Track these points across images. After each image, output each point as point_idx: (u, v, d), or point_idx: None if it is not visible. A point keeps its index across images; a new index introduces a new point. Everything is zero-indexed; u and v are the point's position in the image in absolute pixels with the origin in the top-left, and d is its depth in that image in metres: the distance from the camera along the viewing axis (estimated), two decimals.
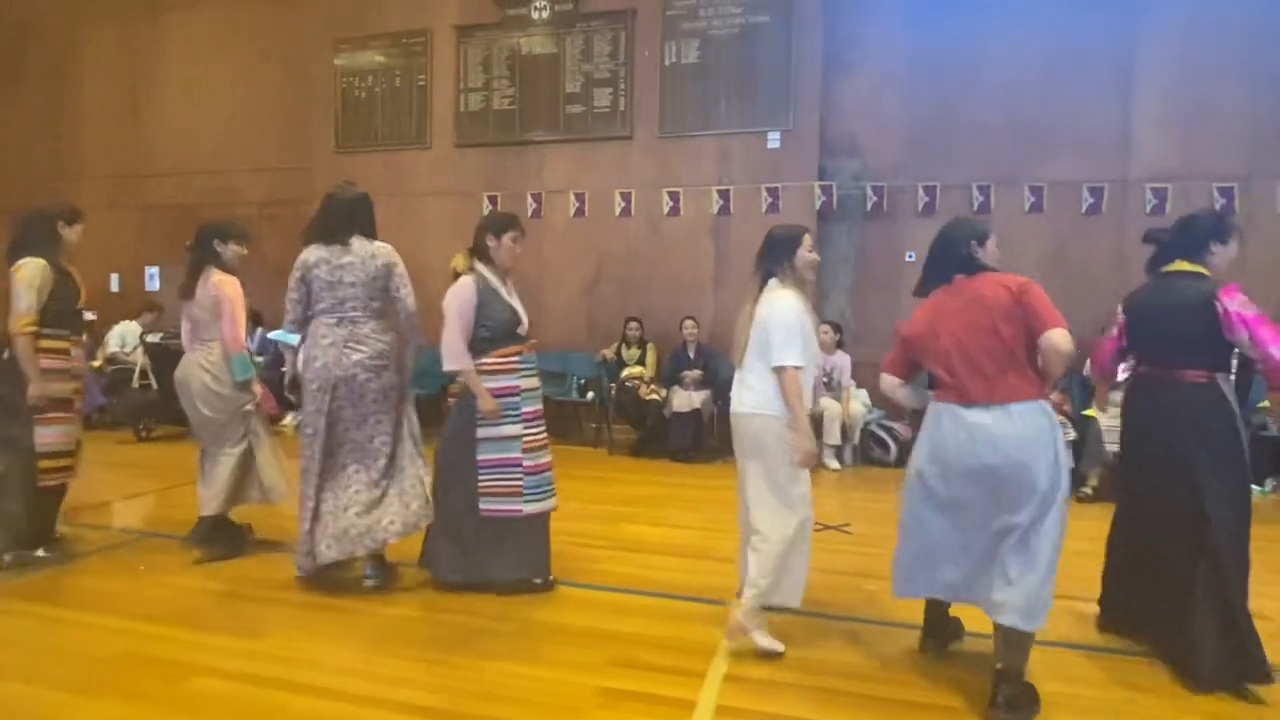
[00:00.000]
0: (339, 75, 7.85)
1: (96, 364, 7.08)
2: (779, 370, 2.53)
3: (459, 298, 3.01)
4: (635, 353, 6.66)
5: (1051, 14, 6.37)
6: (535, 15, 7.23)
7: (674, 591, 3.20)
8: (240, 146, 8.55)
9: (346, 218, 3.08)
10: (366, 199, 3.15)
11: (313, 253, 3.08)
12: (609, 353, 6.71)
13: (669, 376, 6.37)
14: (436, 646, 2.67)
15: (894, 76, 6.77)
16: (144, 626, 2.77)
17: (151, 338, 6.83)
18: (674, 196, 7.04)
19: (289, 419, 6.87)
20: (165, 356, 6.11)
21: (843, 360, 6.14)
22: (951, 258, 2.44)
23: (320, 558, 3.07)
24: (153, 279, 8.88)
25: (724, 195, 6.91)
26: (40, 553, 3.39)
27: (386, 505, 3.09)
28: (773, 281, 2.68)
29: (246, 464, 3.58)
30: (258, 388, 3.53)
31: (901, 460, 6.04)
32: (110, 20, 9.01)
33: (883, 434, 5.97)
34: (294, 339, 3.16)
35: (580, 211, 7.31)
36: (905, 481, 2.54)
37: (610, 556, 3.65)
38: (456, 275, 3.04)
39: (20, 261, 3.22)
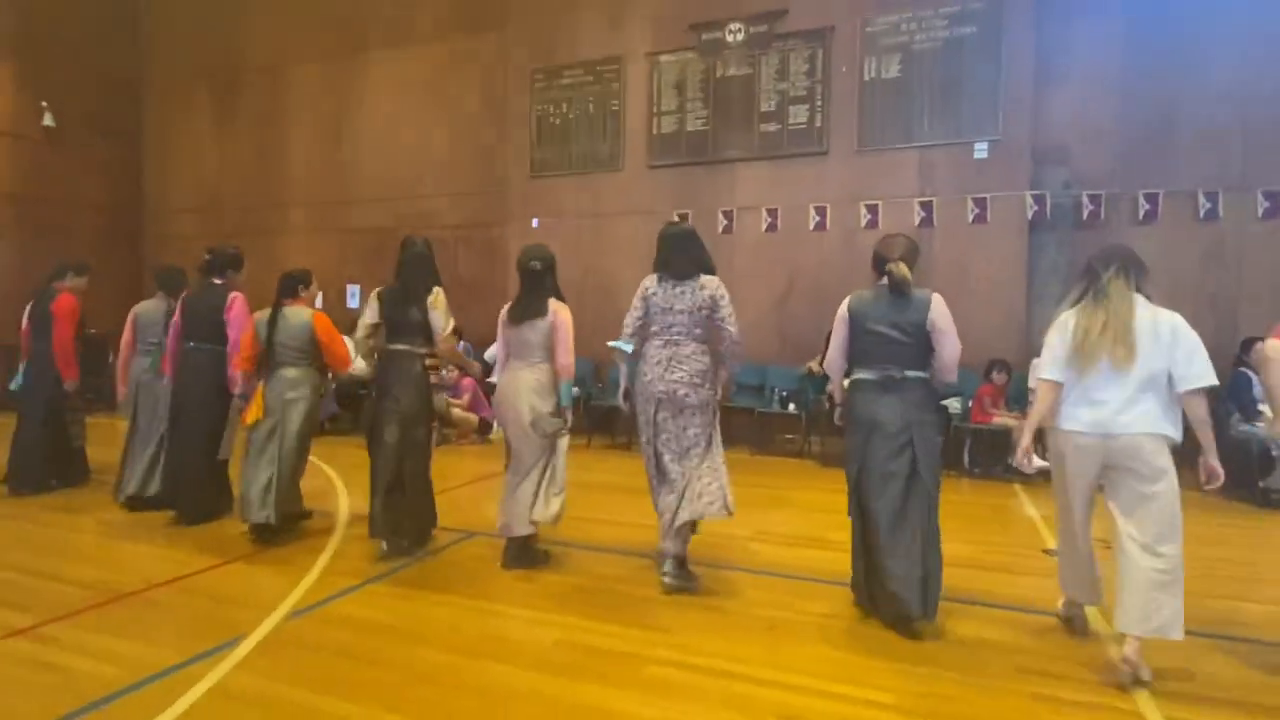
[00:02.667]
0: (534, 103, 8.31)
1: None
2: (1200, 392, 2.54)
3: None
4: None
5: None
6: (730, 39, 7.46)
7: (1005, 603, 3.26)
8: (437, 173, 9.15)
9: (682, 250, 3.47)
10: (695, 234, 3.56)
11: (654, 281, 3.51)
12: (815, 365, 6.82)
13: None
14: (836, 645, 2.82)
15: (1108, 81, 6.62)
16: (557, 617, 3.04)
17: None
18: (871, 209, 7.10)
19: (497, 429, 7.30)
20: None
21: None
22: None
23: (680, 519, 3.36)
24: (353, 296, 9.60)
25: (926, 207, 6.92)
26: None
27: (690, 490, 3.38)
28: (1140, 297, 2.71)
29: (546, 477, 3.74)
30: (568, 415, 3.73)
31: None
32: (316, 61, 9.84)
33: None
34: (629, 347, 3.49)
35: (772, 227, 7.46)
36: None
37: None
38: (905, 279, 3.06)
39: (437, 289, 3.87)
